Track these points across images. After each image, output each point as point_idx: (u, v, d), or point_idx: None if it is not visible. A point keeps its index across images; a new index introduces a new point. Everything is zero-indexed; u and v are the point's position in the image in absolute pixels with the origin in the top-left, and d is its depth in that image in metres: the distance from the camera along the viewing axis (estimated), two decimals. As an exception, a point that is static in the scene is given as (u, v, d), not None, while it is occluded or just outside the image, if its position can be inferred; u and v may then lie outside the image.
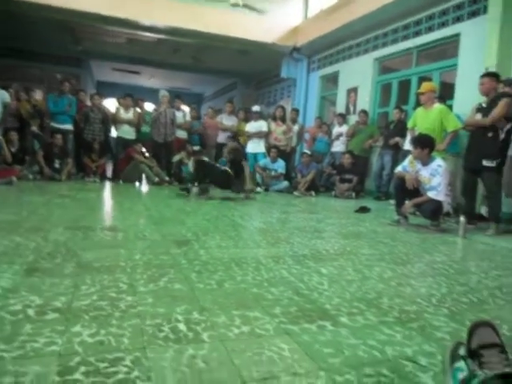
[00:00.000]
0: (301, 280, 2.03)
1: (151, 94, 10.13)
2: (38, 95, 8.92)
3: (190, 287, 1.81)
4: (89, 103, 7.74)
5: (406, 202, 4.09)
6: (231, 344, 1.29)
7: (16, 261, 2.02)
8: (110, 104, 9.68)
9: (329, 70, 9.09)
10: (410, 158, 4.18)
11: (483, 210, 4.69)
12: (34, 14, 7.78)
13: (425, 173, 3.98)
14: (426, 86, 4.82)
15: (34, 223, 3.01)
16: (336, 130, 7.67)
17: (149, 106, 8.48)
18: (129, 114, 7.27)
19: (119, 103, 7.55)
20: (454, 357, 1.09)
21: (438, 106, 4.72)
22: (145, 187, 6.62)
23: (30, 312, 1.43)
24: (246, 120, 7.97)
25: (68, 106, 6.90)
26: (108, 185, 6.55)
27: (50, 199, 4.44)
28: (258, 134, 7.42)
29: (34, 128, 7.22)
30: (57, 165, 6.49)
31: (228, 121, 7.93)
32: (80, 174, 7.11)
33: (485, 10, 5.30)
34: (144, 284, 1.81)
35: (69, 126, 6.99)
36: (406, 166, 4.14)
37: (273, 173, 7.16)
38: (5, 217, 3.18)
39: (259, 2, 8.45)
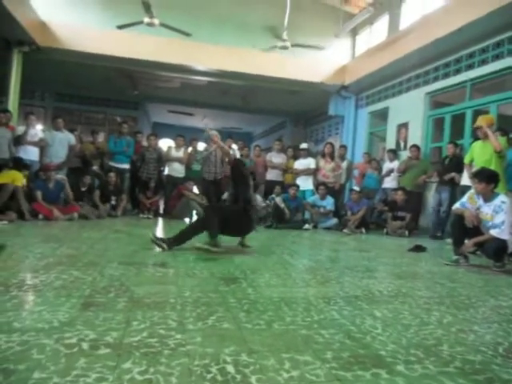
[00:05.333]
0: (353, 323, 1.93)
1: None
2: (100, 137, 9.58)
3: (238, 327, 1.78)
4: (145, 143, 8.18)
5: (466, 240, 3.85)
6: (280, 389, 1.24)
7: (73, 294, 2.11)
8: (165, 144, 10.16)
9: (377, 106, 9.05)
10: (469, 193, 3.97)
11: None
12: (98, 63, 8.51)
13: (487, 209, 3.75)
14: (483, 119, 4.63)
15: (91, 258, 3.14)
16: (387, 165, 7.51)
17: (202, 146, 8.80)
18: (179, 153, 7.59)
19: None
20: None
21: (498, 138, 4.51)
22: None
23: (84, 346, 1.47)
24: (295, 157, 8.04)
25: (126, 147, 7.35)
26: (161, 221, 6.77)
27: (106, 234, 4.64)
28: (306, 171, 7.42)
29: (95, 167, 7.71)
30: (113, 201, 6.84)
31: (277, 158, 8.02)
32: (135, 211, 7.43)
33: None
34: (193, 322, 1.81)
35: (126, 165, 7.42)
36: (465, 203, 3.93)
37: (322, 210, 7.07)
38: (66, 251, 3.35)
39: (307, 43, 8.66)
